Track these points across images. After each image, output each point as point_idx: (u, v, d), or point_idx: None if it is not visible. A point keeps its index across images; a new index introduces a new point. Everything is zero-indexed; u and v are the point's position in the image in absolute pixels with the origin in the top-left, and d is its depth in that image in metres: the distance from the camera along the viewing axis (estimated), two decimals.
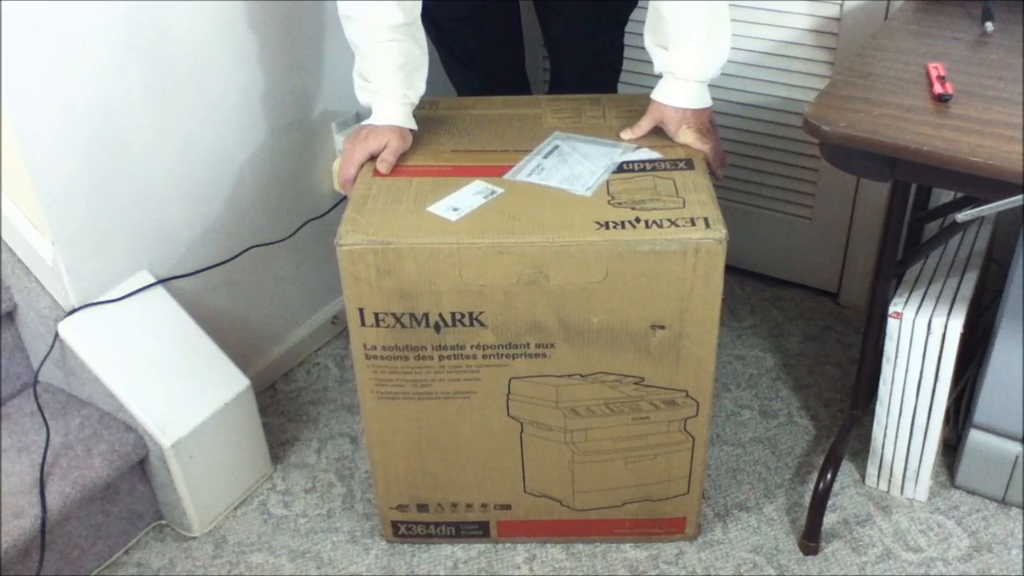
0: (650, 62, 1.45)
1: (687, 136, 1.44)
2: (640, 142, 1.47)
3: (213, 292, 1.74)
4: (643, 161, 1.42)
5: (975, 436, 1.59)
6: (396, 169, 1.43)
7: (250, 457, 1.69)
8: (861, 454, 1.71)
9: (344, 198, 1.65)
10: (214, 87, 1.62)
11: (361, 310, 1.33)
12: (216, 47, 1.60)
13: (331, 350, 2.03)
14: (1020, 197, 1.14)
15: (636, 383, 1.39)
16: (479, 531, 1.58)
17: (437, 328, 1.34)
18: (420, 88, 1.48)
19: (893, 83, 1.33)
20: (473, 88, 1.82)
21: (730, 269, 1.36)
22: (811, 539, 1.55)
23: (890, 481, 1.64)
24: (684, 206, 1.31)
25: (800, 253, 2.11)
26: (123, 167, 1.52)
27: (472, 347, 1.36)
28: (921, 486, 1.62)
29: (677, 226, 1.28)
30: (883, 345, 1.51)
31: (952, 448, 1.69)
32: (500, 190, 1.37)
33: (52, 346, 1.55)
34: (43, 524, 1.42)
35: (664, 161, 1.42)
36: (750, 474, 1.71)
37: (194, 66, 1.57)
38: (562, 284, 1.30)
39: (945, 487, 1.66)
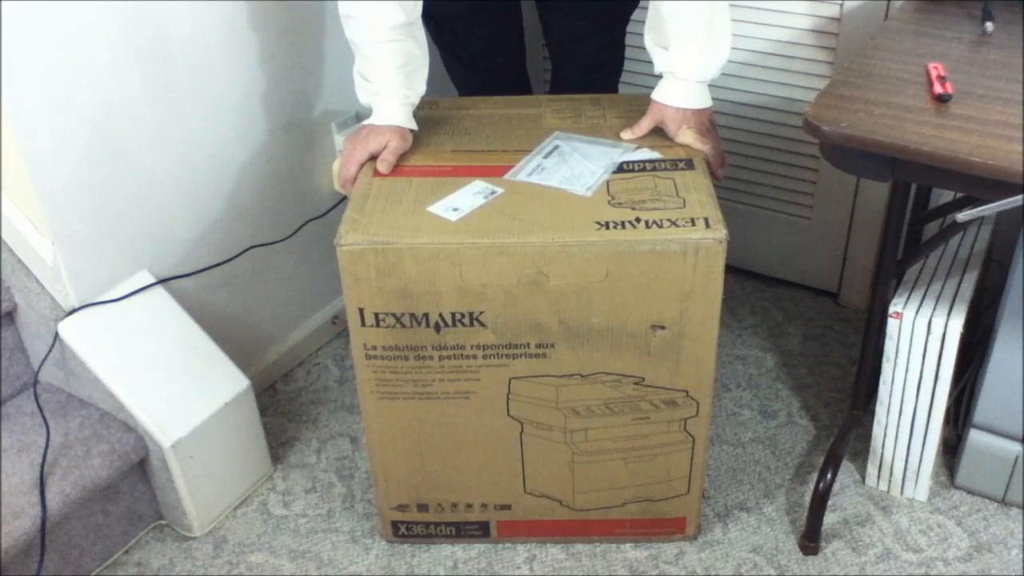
0: (650, 62, 1.45)
1: (687, 136, 1.44)
2: (640, 142, 1.47)
3: (213, 292, 1.74)
4: (643, 161, 1.42)
5: (975, 436, 1.59)
6: (396, 169, 1.43)
7: (250, 457, 1.69)
8: (861, 454, 1.71)
9: (344, 198, 1.65)
10: (214, 87, 1.62)
11: (361, 310, 1.33)
12: (216, 47, 1.60)
13: (331, 350, 2.03)
14: (1020, 197, 1.14)
15: (636, 383, 1.39)
16: (479, 531, 1.58)
17: (437, 328, 1.34)
18: (420, 88, 1.48)
19: (893, 83, 1.33)
20: (474, 88, 1.82)
21: (730, 269, 1.36)
22: (811, 539, 1.55)
23: (890, 481, 1.64)
24: (684, 206, 1.31)
25: (800, 253, 2.11)
26: (123, 167, 1.52)
27: (472, 347, 1.36)
28: (921, 486, 1.62)
29: (677, 226, 1.27)
30: (883, 345, 1.51)
31: (952, 448, 1.69)
32: (500, 190, 1.37)
33: (52, 346, 1.54)
34: (43, 524, 1.42)
35: (664, 161, 1.42)
36: (750, 474, 1.71)
37: (194, 66, 1.57)
38: (562, 284, 1.30)
39: (945, 487, 1.66)
